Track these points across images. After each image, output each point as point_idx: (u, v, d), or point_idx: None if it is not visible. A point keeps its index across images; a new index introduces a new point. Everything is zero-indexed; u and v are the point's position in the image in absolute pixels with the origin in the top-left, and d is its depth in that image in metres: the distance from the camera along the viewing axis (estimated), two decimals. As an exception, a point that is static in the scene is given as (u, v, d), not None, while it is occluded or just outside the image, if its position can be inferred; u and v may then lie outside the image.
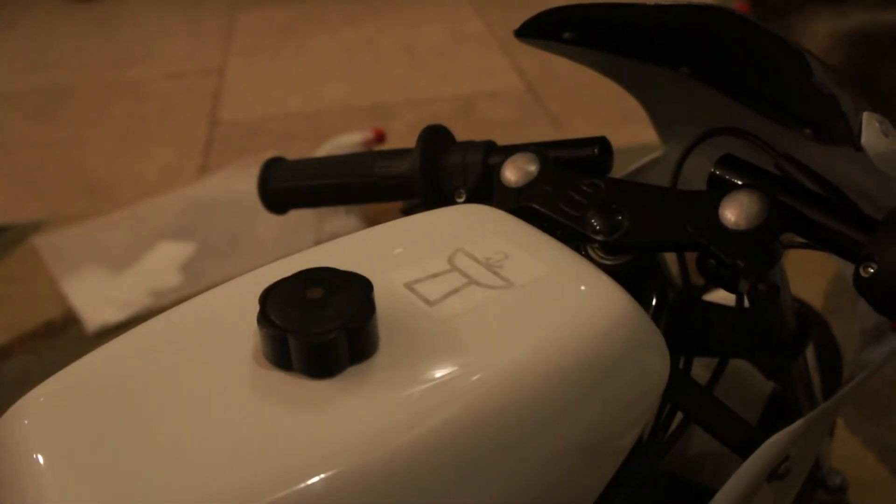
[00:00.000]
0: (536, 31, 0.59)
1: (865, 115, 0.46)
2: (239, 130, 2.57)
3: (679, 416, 0.59)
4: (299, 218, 1.87)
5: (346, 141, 2.08)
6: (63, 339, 1.69)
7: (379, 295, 0.39)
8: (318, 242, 0.48)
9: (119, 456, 0.34)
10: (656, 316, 0.56)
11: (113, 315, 1.72)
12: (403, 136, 2.44)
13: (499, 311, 0.41)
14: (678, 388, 0.55)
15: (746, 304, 0.55)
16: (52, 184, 2.32)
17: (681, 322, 0.59)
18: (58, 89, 2.92)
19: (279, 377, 0.37)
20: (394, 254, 0.43)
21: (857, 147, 0.45)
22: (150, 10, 3.68)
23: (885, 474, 1.29)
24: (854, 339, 1.38)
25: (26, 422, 0.37)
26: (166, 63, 3.10)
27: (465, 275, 0.43)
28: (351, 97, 2.74)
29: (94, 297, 1.79)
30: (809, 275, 1.68)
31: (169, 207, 2.14)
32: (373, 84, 2.83)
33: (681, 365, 0.60)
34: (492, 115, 2.55)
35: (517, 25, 0.59)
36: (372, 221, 1.13)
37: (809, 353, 0.82)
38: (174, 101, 2.78)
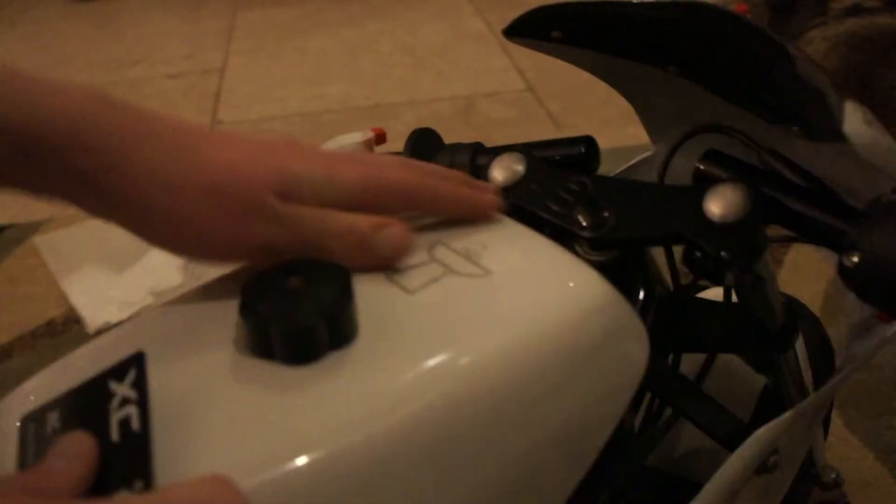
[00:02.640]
0: (525, 30, 0.60)
1: (848, 104, 0.46)
2: (239, 130, 2.57)
3: (667, 411, 0.60)
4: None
5: (347, 141, 2.07)
6: (64, 339, 1.69)
7: (359, 284, 0.40)
8: None
9: None
10: (643, 311, 0.56)
11: (114, 314, 1.72)
12: (404, 136, 2.44)
13: (477, 298, 0.42)
14: (666, 383, 0.56)
15: (734, 299, 0.56)
16: (52, 184, 2.32)
17: (669, 318, 0.59)
18: (58, 89, 2.92)
19: (261, 366, 0.38)
20: None
21: (841, 138, 0.46)
22: (150, 10, 3.68)
23: (885, 474, 1.29)
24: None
25: (19, 412, 0.39)
26: (166, 63, 3.10)
27: (444, 265, 0.44)
28: (351, 97, 2.74)
29: (94, 296, 1.79)
30: (810, 276, 1.68)
31: (169, 207, 2.14)
32: (373, 84, 2.83)
33: (669, 361, 0.60)
34: (492, 115, 2.55)
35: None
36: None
37: (801, 348, 0.83)
38: (174, 101, 2.78)
